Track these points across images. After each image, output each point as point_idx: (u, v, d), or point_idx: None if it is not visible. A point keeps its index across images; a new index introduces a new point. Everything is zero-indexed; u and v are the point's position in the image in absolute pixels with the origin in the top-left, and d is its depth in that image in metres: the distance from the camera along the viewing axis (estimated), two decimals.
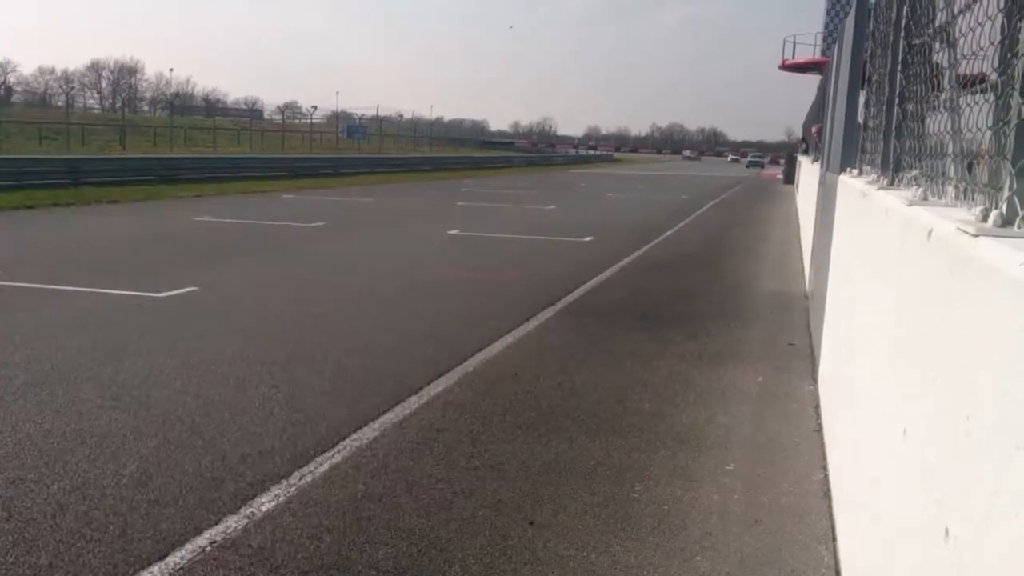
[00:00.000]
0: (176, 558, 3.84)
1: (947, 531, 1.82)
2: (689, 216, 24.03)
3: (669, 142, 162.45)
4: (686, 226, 21.17)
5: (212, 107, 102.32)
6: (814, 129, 18.73)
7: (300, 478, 4.74)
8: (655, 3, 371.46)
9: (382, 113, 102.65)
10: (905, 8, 4.02)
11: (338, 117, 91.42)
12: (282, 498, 4.48)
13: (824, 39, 36.47)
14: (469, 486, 4.71)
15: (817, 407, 6.24)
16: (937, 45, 3.17)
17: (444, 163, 57.14)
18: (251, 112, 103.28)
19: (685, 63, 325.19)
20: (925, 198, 3.03)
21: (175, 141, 53.48)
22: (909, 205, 2.89)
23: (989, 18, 2.12)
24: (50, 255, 12.80)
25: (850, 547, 3.69)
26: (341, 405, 6.03)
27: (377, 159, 52.24)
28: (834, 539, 4.18)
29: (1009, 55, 1.97)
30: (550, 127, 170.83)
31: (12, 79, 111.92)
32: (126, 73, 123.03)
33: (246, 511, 4.32)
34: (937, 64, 3.17)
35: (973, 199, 2.35)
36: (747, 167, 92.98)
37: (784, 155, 57.52)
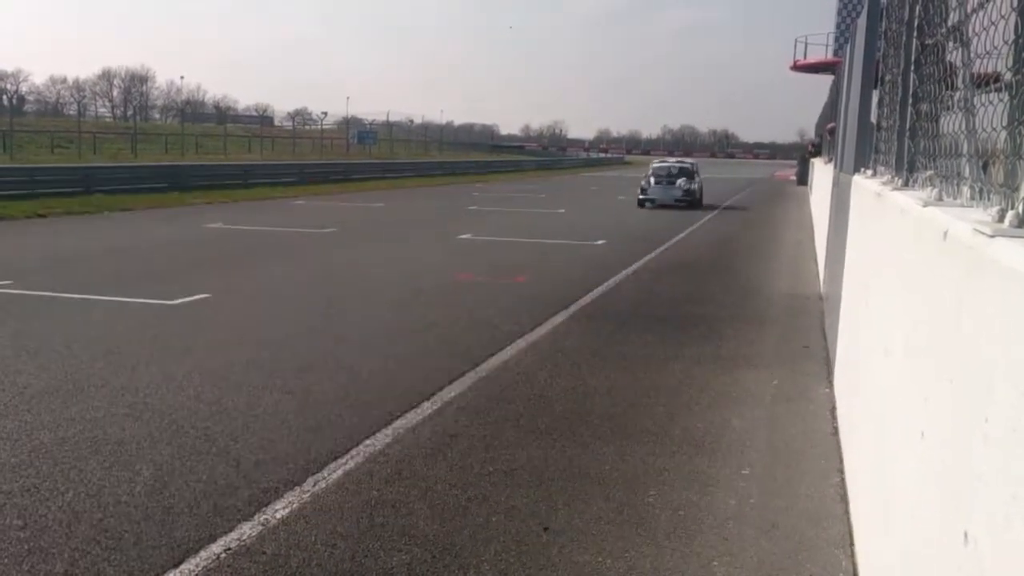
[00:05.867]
0: (191, 565, 3.84)
1: (966, 535, 1.80)
2: (701, 219, 23.97)
3: (681, 144, 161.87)
4: (698, 228, 21.11)
5: (223, 114, 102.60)
6: (827, 128, 18.65)
7: (314, 484, 4.74)
8: (664, 4, 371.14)
9: (392, 118, 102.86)
10: (918, 7, 4.00)
11: (348, 123, 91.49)
12: (296, 505, 4.48)
13: (836, 39, 36.31)
14: (483, 492, 4.70)
15: (833, 410, 6.21)
16: (950, 44, 3.15)
17: (455, 168, 57.16)
18: (262, 119, 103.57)
19: (696, 65, 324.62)
20: (940, 198, 3.01)
21: (186, 148, 53.70)
22: (924, 206, 2.87)
23: (1003, 17, 2.10)
24: (63, 263, 12.87)
25: (868, 551, 3.67)
26: (354, 411, 6.03)
27: (388, 164, 52.29)
28: (852, 543, 4.15)
29: None
30: (560, 130, 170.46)
31: (24, 88, 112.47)
32: (137, 81, 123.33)
33: (260, 518, 4.32)
34: (951, 63, 3.15)
35: (989, 199, 2.33)
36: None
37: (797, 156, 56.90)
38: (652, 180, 28.27)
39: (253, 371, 7.00)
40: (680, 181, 27.81)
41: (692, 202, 27.28)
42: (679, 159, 34.62)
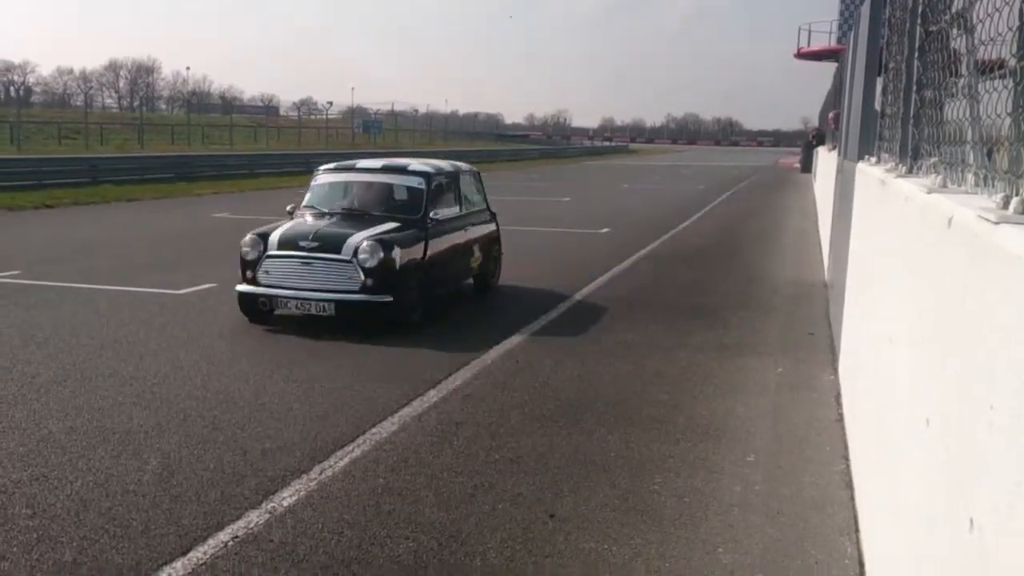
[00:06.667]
0: (199, 553, 3.87)
1: (971, 521, 1.81)
2: (706, 206, 23.91)
3: (684, 132, 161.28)
4: (703, 216, 21.07)
5: (228, 104, 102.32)
6: (831, 115, 18.55)
7: (320, 472, 4.76)
8: None
9: (397, 108, 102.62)
10: None
11: (353, 113, 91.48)
12: (303, 493, 4.50)
13: (840, 26, 36.13)
14: (489, 479, 4.72)
15: (838, 397, 6.21)
16: (954, 31, 3.14)
17: (459, 157, 57.00)
18: (267, 109, 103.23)
19: (700, 53, 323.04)
20: (944, 185, 3.01)
21: (192, 139, 53.70)
22: (928, 193, 2.87)
23: (1007, 3, 2.09)
24: (70, 253, 12.88)
25: (873, 538, 3.68)
26: (360, 399, 6.05)
27: (393, 153, 52.25)
28: (857, 530, 4.16)
29: None
30: (565, 119, 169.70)
31: (31, 80, 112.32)
32: (143, 72, 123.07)
33: (267, 506, 4.35)
34: (955, 50, 3.14)
35: (993, 186, 2.33)
36: None
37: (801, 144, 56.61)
38: (279, 236, 8.51)
39: (259, 360, 7.02)
40: (361, 241, 7.99)
41: (398, 305, 7.98)
42: (387, 161, 9.86)
